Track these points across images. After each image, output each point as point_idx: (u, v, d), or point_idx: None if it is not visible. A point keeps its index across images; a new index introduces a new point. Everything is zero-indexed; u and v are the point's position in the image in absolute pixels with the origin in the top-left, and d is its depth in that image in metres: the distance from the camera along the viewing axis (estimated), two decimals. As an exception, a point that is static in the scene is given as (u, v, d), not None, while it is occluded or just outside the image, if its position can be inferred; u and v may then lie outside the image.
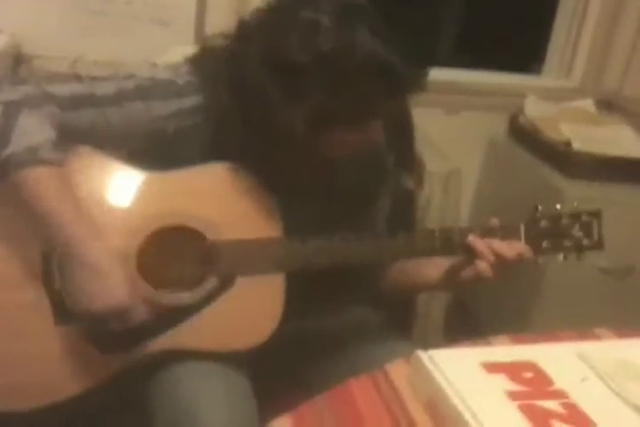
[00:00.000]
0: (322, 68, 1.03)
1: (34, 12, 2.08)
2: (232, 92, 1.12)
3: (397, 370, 1.01)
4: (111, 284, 1.08)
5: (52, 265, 1.13)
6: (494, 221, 1.22)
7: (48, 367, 1.16)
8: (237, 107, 1.11)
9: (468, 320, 2.24)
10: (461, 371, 0.93)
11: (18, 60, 2.09)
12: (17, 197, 1.08)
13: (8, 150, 1.05)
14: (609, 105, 2.42)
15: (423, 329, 1.99)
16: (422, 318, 1.96)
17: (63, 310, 1.13)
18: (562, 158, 2.07)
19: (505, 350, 1.02)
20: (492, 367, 0.94)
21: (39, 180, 1.07)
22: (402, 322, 1.50)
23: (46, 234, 1.10)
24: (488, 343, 1.10)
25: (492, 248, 1.17)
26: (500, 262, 1.17)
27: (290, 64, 1.04)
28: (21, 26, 2.06)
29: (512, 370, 0.94)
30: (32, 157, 1.06)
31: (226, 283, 1.18)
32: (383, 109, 1.11)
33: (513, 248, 1.18)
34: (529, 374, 0.94)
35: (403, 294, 1.55)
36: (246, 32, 1.12)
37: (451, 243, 1.21)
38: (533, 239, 1.22)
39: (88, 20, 2.12)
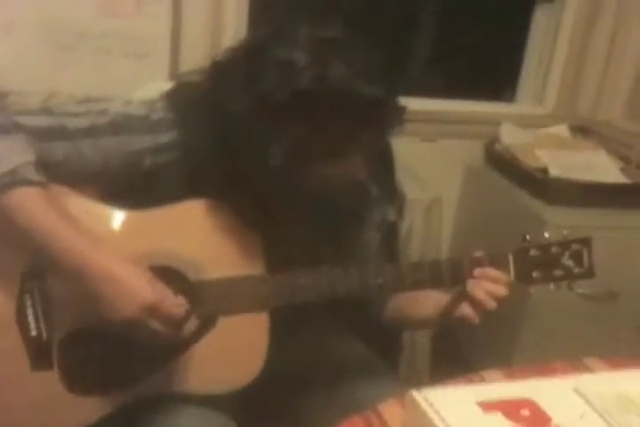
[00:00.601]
0: (300, 104, 1.03)
1: (7, 47, 2.06)
2: (208, 130, 1.11)
3: (390, 410, 1.00)
4: (135, 282, 1.04)
5: (26, 310, 1.09)
6: (479, 253, 1.21)
7: (27, 415, 1.13)
8: (214, 143, 1.10)
9: (454, 350, 2.22)
10: (457, 411, 0.91)
11: (-10, 96, 2.07)
12: (7, 223, 1.04)
13: None
14: (583, 130, 2.45)
15: (410, 361, 1.97)
16: (409, 350, 1.94)
17: (38, 354, 1.10)
18: (540, 185, 2.08)
19: (500, 387, 1.00)
20: (489, 406, 0.93)
21: (26, 199, 1.03)
22: (388, 355, 1.48)
23: (48, 255, 1.05)
24: (482, 379, 1.08)
25: (484, 289, 1.17)
26: (497, 290, 1.16)
27: (269, 102, 1.03)
28: (-7, 62, 2.04)
29: (509, 408, 0.93)
30: (15, 179, 1.02)
31: (208, 323, 1.15)
32: (363, 143, 1.10)
33: (501, 285, 1.17)
34: (526, 412, 0.93)
35: (397, 327, 1.53)
36: (220, 72, 1.11)
37: (440, 275, 1.20)
38: (523, 269, 1.21)
39: (61, 54, 2.11)
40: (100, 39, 2.10)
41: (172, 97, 1.19)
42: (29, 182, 1.04)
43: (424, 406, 0.91)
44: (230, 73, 1.09)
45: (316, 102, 1.03)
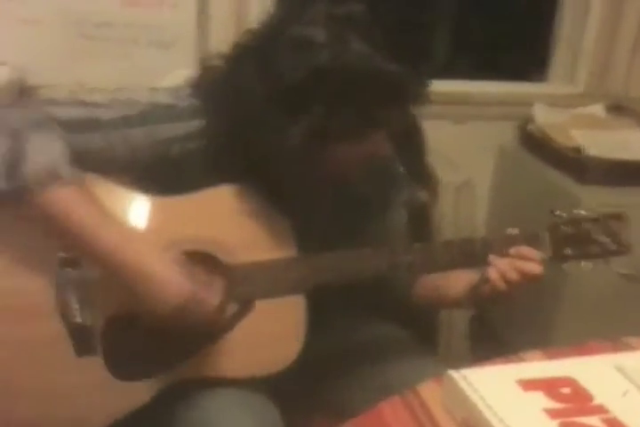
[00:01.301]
0: (318, 83, 1.02)
1: (34, 41, 2.07)
2: (230, 114, 1.11)
3: (429, 391, 0.98)
4: (165, 281, 1.05)
5: (69, 297, 1.10)
6: (513, 231, 1.19)
7: (73, 400, 1.13)
8: (235, 128, 1.10)
9: (492, 332, 2.19)
10: (497, 390, 0.89)
11: (22, 91, 2.09)
12: (46, 220, 1.05)
13: (25, 176, 1.02)
14: (618, 109, 2.39)
15: (447, 343, 1.95)
16: (446, 332, 1.92)
17: (82, 340, 1.10)
18: (575, 165, 2.04)
19: (540, 366, 0.98)
20: (529, 385, 0.91)
21: (62, 196, 1.04)
22: (426, 337, 1.46)
23: (81, 250, 1.07)
24: (521, 360, 1.06)
25: (515, 267, 1.14)
26: (524, 280, 1.14)
27: (286, 83, 1.03)
28: (23, 56, 2.05)
29: (549, 387, 0.91)
30: (50, 177, 1.03)
31: (245, 308, 1.15)
32: (385, 120, 1.08)
33: (536, 263, 1.15)
34: (567, 390, 0.91)
35: (429, 308, 1.52)
36: (240, 53, 1.11)
37: (472, 254, 1.18)
38: (556, 246, 1.19)
39: (88, 45, 2.11)
40: (125, 29, 2.10)
41: (197, 83, 1.19)
42: (64, 178, 1.04)
43: (463, 385, 0.90)
44: (249, 54, 1.09)
45: (334, 79, 1.02)
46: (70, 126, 1.08)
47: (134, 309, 1.09)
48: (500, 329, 2.21)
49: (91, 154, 1.10)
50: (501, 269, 1.15)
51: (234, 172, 1.15)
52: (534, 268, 1.15)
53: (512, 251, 1.16)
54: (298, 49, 1.03)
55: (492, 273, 1.15)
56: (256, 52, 1.08)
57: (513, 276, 1.14)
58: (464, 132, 2.38)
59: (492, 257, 1.16)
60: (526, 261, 1.15)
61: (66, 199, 1.04)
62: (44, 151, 1.04)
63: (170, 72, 1.88)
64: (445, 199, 1.91)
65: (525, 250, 1.17)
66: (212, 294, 1.08)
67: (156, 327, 1.09)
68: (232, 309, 1.15)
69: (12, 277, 1.10)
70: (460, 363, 0.98)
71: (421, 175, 1.60)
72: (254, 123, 1.07)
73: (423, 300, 1.33)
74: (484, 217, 2.41)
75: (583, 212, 1.22)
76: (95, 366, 1.13)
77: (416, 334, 1.39)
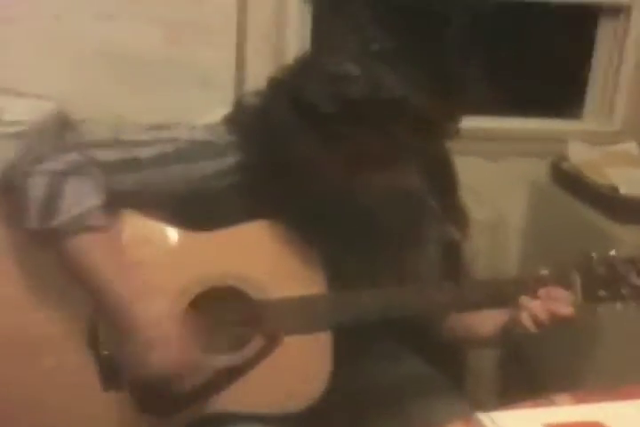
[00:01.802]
0: (351, 115, 1.04)
1: (77, 76, 2.14)
2: (266, 147, 1.13)
3: (457, 433, 0.98)
4: (166, 348, 1.07)
5: (98, 329, 1.12)
6: (544, 272, 1.19)
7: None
8: (273, 160, 1.12)
9: (523, 370, 2.16)
10: (525, 434, 0.89)
11: (64, 124, 2.15)
12: (67, 262, 1.09)
13: (57, 219, 1.06)
14: (653, 147, 2.38)
15: (476, 380, 1.93)
16: (474, 369, 1.91)
17: (110, 374, 1.12)
18: (610, 203, 2.03)
19: (568, 410, 0.97)
20: (557, 429, 0.90)
21: (88, 248, 1.08)
22: (453, 375, 1.46)
23: (98, 302, 1.09)
24: (551, 402, 1.05)
25: (546, 309, 1.14)
26: (555, 322, 1.14)
27: (321, 114, 1.05)
28: (65, 92, 2.12)
29: (578, 431, 0.90)
30: (80, 225, 1.07)
31: (272, 343, 1.16)
32: (415, 151, 1.11)
33: (567, 305, 1.15)
34: (596, 436, 0.90)
35: (458, 346, 1.51)
36: (275, 87, 1.14)
37: (502, 295, 1.18)
38: (589, 288, 1.18)
39: (129, 81, 2.18)
40: (166, 66, 2.17)
41: (232, 120, 1.22)
42: (93, 229, 1.08)
43: (490, 428, 0.90)
44: (283, 87, 1.12)
45: (368, 112, 1.04)
46: (110, 168, 1.12)
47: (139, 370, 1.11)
48: (531, 369, 2.18)
49: (129, 193, 1.13)
50: (532, 311, 1.15)
51: (268, 207, 1.17)
52: (565, 310, 1.15)
53: (542, 292, 1.16)
54: (332, 81, 1.05)
55: (523, 315, 1.15)
56: (291, 85, 1.10)
57: (543, 317, 1.14)
58: (496, 169, 2.39)
59: (522, 299, 1.17)
60: (557, 303, 1.15)
61: (88, 248, 1.08)
62: (79, 198, 1.08)
63: (208, 110, 1.93)
64: (477, 237, 1.91)
65: (556, 291, 1.17)
66: (194, 378, 1.10)
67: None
68: (259, 344, 1.15)
69: (43, 308, 1.13)
70: (488, 402, 0.97)
71: (454, 213, 1.60)
72: (289, 153, 1.09)
73: (452, 338, 1.33)
74: (517, 256, 2.40)
75: (615, 254, 1.21)
76: (120, 401, 1.14)
77: (443, 371, 1.38)
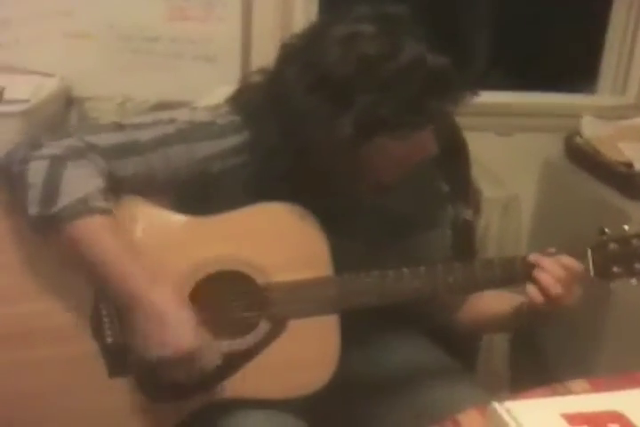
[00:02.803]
0: (367, 72, 1.02)
1: (82, 54, 2.11)
2: (276, 117, 1.10)
3: (470, 421, 0.95)
4: (180, 330, 1.05)
5: (102, 318, 1.11)
6: (552, 250, 1.16)
7: (105, 421, 1.14)
8: (280, 134, 1.10)
9: (535, 354, 2.14)
10: (542, 424, 0.86)
11: (69, 102, 2.12)
12: (72, 249, 1.07)
13: (59, 204, 1.04)
14: (669, 121, 2.33)
15: (488, 364, 1.91)
16: (485, 354, 1.88)
17: (115, 361, 1.11)
18: (624, 179, 1.99)
19: (586, 399, 0.94)
20: (575, 419, 0.87)
21: (93, 229, 1.06)
22: (465, 360, 1.43)
23: (104, 285, 1.08)
24: (566, 390, 1.02)
25: (560, 263, 1.11)
26: (570, 279, 1.10)
27: (334, 73, 1.03)
28: (70, 69, 2.09)
29: (596, 421, 0.87)
30: (83, 208, 1.04)
31: (278, 327, 1.14)
32: (431, 115, 1.07)
33: (576, 273, 1.12)
34: (615, 426, 0.87)
35: (474, 332, 1.49)
36: (286, 53, 1.11)
37: (512, 274, 1.15)
38: (602, 264, 1.16)
39: (134, 59, 2.14)
40: (171, 43, 2.13)
41: (236, 99, 1.19)
42: (96, 211, 1.06)
43: (507, 418, 0.87)
44: (295, 53, 1.09)
45: (383, 69, 1.02)
46: (110, 153, 1.10)
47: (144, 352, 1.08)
48: (543, 351, 2.16)
49: (131, 178, 1.11)
50: (542, 283, 1.11)
51: (275, 186, 1.14)
52: (570, 276, 1.11)
53: (549, 261, 1.13)
54: (346, 42, 1.03)
55: (530, 288, 1.12)
56: (302, 50, 1.08)
57: (555, 288, 1.10)
58: (509, 144, 2.35)
59: (534, 272, 1.13)
60: (563, 270, 1.12)
61: (92, 230, 1.06)
62: (80, 183, 1.06)
63: (214, 87, 1.90)
64: (490, 215, 1.88)
65: (564, 258, 1.13)
66: (209, 359, 1.08)
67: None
68: (265, 328, 1.14)
69: (47, 299, 1.11)
70: (501, 386, 0.95)
71: (466, 193, 1.57)
72: (302, 118, 1.06)
73: (466, 324, 1.30)
74: (529, 233, 2.37)
75: (627, 229, 1.18)
76: (127, 387, 1.13)
77: (455, 356, 1.36)
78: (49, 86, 1.97)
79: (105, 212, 1.06)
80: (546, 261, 1.12)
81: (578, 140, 2.26)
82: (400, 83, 1.02)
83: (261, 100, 1.13)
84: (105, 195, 1.07)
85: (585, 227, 1.87)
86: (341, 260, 1.17)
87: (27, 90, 1.86)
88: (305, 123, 1.06)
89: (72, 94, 2.11)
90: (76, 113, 2.10)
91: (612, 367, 1.88)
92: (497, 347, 1.97)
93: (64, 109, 2.08)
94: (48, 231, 1.06)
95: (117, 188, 1.11)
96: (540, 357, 2.16)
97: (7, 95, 1.81)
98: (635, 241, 1.16)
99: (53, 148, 1.07)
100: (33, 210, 1.04)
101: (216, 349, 1.10)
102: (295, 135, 1.08)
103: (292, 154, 1.10)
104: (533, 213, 2.39)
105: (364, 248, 1.21)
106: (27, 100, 1.81)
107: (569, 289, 1.12)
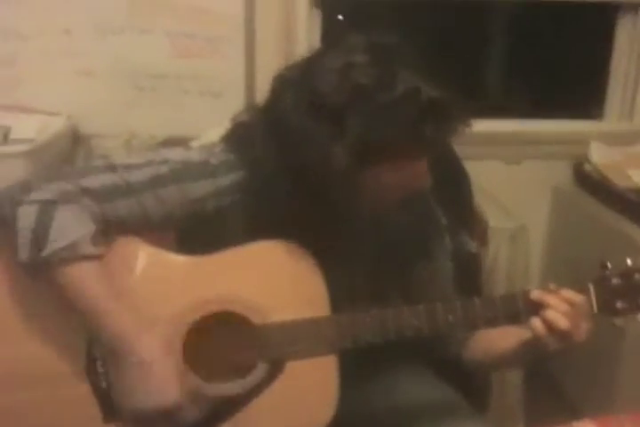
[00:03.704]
0: (361, 101, 1.01)
1: (88, 92, 2.13)
2: (274, 140, 1.09)
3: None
4: (164, 383, 1.05)
5: (95, 362, 1.10)
6: (552, 286, 1.13)
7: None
8: (281, 153, 1.08)
9: (551, 388, 2.10)
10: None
11: (75, 140, 2.14)
12: (61, 293, 1.07)
13: (47, 250, 1.04)
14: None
15: (501, 400, 1.87)
16: (499, 389, 1.85)
17: (110, 406, 1.10)
18: (634, 207, 1.97)
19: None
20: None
21: (79, 276, 1.06)
22: (476, 396, 1.40)
23: (92, 331, 1.08)
24: (571, 429, 1.00)
25: (564, 298, 1.09)
26: (576, 313, 1.08)
27: (328, 101, 1.02)
28: (77, 107, 2.11)
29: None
30: (72, 254, 1.04)
31: (276, 369, 1.12)
32: (426, 144, 1.06)
33: (580, 307, 1.10)
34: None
35: (483, 369, 1.46)
36: (282, 81, 1.10)
37: (513, 310, 1.12)
38: (606, 299, 1.13)
39: (140, 96, 2.17)
40: (176, 80, 2.15)
41: (230, 137, 1.19)
42: (84, 257, 1.05)
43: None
44: (291, 81, 1.09)
45: (378, 97, 1.01)
46: (102, 195, 1.09)
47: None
48: (559, 385, 2.12)
49: (124, 219, 1.10)
50: (546, 317, 1.09)
51: (272, 222, 1.13)
52: (575, 311, 1.08)
53: (552, 298, 1.10)
54: (341, 71, 1.03)
55: (533, 322, 1.09)
56: (297, 79, 1.08)
57: (561, 323, 1.08)
58: (517, 172, 2.34)
59: (540, 310, 1.10)
60: (566, 304, 1.09)
61: (78, 277, 1.06)
62: (69, 228, 1.05)
63: (220, 121, 1.91)
64: (497, 245, 1.86)
65: (565, 292, 1.11)
66: (190, 413, 1.07)
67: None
68: (262, 371, 1.12)
69: (46, 343, 1.11)
70: (515, 423, 0.92)
71: (469, 224, 1.55)
72: (298, 144, 1.05)
73: (473, 361, 1.27)
74: (540, 261, 2.34)
75: (630, 263, 1.15)
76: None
77: (466, 392, 1.33)
78: (55, 125, 1.99)
79: (92, 258, 1.06)
80: (550, 298, 1.10)
81: (586, 166, 2.25)
82: (394, 111, 1.02)
83: (257, 130, 1.12)
84: (94, 240, 1.07)
85: (596, 255, 1.85)
86: (341, 292, 1.15)
87: (32, 129, 1.88)
88: (301, 149, 1.06)
89: (78, 132, 2.14)
90: (82, 151, 2.11)
91: (631, 399, 1.84)
92: (511, 381, 1.93)
93: (70, 148, 2.10)
94: (37, 276, 1.06)
95: (113, 229, 1.10)
96: (557, 390, 2.12)
97: (13, 135, 1.83)
98: (638, 275, 1.13)
99: (43, 192, 1.07)
100: (23, 255, 1.04)
101: (207, 393, 1.09)
102: (291, 160, 1.08)
103: (289, 180, 1.09)
104: (544, 242, 2.36)
105: (364, 280, 1.20)
106: (32, 140, 1.82)
107: (577, 324, 1.09)
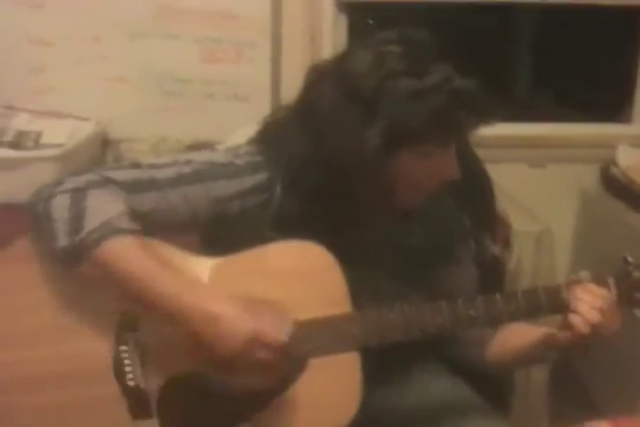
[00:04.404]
0: (395, 86, 1.05)
1: (116, 98, 2.17)
2: (306, 128, 1.12)
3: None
4: (230, 321, 1.04)
5: (123, 361, 1.11)
6: (584, 274, 1.14)
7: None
8: (314, 140, 1.11)
9: (576, 389, 2.09)
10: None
11: (105, 144, 2.18)
12: (106, 273, 1.07)
13: (86, 230, 1.05)
14: None
15: (525, 400, 1.86)
16: (523, 388, 1.84)
17: (137, 403, 1.11)
18: (661, 210, 1.96)
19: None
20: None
21: (121, 247, 1.06)
22: (497, 397, 1.40)
23: (143, 299, 1.07)
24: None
25: (591, 291, 1.09)
26: (607, 307, 1.08)
27: (363, 86, 1.06)
28: (105, 112, 2.15)
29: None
30: (109, 230, 1.05)
31: (298, 367, 1.13)
32: (458, 128, 1.10)
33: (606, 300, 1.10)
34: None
35: (506, 369, 1.45)
36: (317, 71, 1.14)
37: (537, 303, 1.13)
38: (626, 292, 1.13)
39: (168, 101, 2.20)
40: (203, 84, 2.18)
41: (259, 138, 1.21)
42: (123, 231, 1.06)
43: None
44: (326, 70, 1.12)
45: (410, 84, 1.05)
46: (128, 187, 1.11)
47: (190, 366, 1.09)
48: (584, 385, 2.10)
49: (150, 214, 1.12)
50: (579, 310, 1.09)
51: (296, 221, 1.15)
52: (602, 303, 1.08)
53: (577, 290, 1.11)
54: (376, 58, 1.07)
55: (575, 318, 1.09)
56: (332, 68, 1.11)
57: (583, 309, 1.08)
58: (543, 175, 2.33)
59: (572, 303, 1.11)
60: (593, 297, 1.10)
61: (124, 249, 1.06)
62: (103, 208, 1.07)
63: (246, 125, 1.93)
64: (522, 249, 1.85)
65: (591, 287, 1.11)
66: (275, 333, 1.06)
67: (211, 385, 1.09)
68: (285, 368, 1.12)
69: (75, 341, 1.12)
70: (539, 423, 0.92)
71: (490, 224, 1.55)
72: (332, 129, 1.09)
73: (496, 359, 1.28)
74: (566, 267, 2.33)
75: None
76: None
77: (489, 393, 1.33)
78: (85, 130, 2.03)
79: (131, 232, 1.07)
80: (578, 291, 1.10)
81: (613, 170, 2.24)
82: (427, 97, 1.05)
83: (291, 123, 1.15)
84: (129, 216, 1.08)
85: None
86: (364, 293, 1.16)
87: (63, 134, 1.92)
88: (334, 134, 1.09)
89: (108, 137, 2.17)
90: (111, 155, 2.15)
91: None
92: (535, 382, 1.92)
93: (100, 152, 2.14)
94: (79, 261, 1.06)
95: (138, 222, 1.10)
96: (582, 391, 2.11)
97: (44, 140, 1.87)
98: None
99: (73, 182, 1.09)
100: (62, 242, 1.05)
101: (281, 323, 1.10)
102: (324, 147, 1.10)
103: (321, 172, 1.11)
104: (571, 245, 2.35)
105: (387, 281, 1.21)
106: (62, 145, 1.86)
107: (607, 317, 1.09)
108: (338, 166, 1.10)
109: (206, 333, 1.05)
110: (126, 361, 1.11)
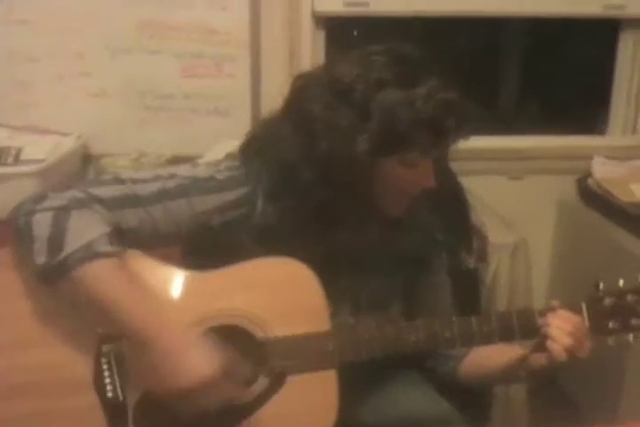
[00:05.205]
0: (384, 93, 1.08)
1: (98, 112, 2.18)
2: (296, 133, 1.13)
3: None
4: (193, 358, 1.06)
5: (103, 373, 1.12)
6: (555, 303, 1.16)
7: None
8: (305, 144, 1.12)
9: (557, 399, 2.10)
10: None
11: (86, 160, 2.18)
12: (82, 294, 1.08)
13: (65, 252, 1.06)
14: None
15: (505, 412, 1.88)
16: (503, 400, 1.85)
17: (115, 415, 1.12)
18: (637, 221, 1.98)
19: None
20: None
21: (98, 272, 1.08)
22: (478, 409, 1.42)
23: (114, 324, 1.09)
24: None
25: (563, 318, 1.11)
26: (578, 332, 1.10)
27: (353, 89, 1.08)
28: (86, 127, 2.16)
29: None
30: (88, 253, 1.07)
31: (276, 382, 1.14)
32: (444, 136, 1.12)
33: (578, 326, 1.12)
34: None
35: (477, 384, 1.47)
36: (303, 79, 1.16)
37: (510, 327, 1.15)
38: (598, 319, 1.15)
39: (149, 115, 2.21)
40: (185, 99, 2.19)
41: (243, 151, 1.22)
42: (102, 255, 1.08)
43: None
44: (312, 77, 1.15)
45: (398, 92, 1.08)
46: (112, 204, 1.13)
47: (160, 386, 1.10)
48: (565, 395, 2.11)
49: (135, 229, 1.14)
50: (557, 339, 1.11)
51: (278, 234, 1.17)
52: (574, 330, 1.11)
53: (549, 317, 1.13)
54: (363, 66, 1.10)
55: (552, 345, 1.10)
56: (319, 75, 1.14)
57: (554, 332, 1.10)
58: (520, 187, 2.36)
59: (548, 329, 1.12)
60: (565, 322, 1.12)
61: (100, 274, 1.08)
62: (84, 230, 1.08)
63: (227, 140, 1.94)
64: (498, 261, 1.87)
65: (563, 313, 1.13)
66: (237, 373, 1.09)
67: (184, 405, 1.09)
68: (263, 383, 1.15)
69: (55, 352, 1.13)
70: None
71: (466, 239, 1.57)
72: (322, 133, 1.10)
73: (469, 375, 1.29)
74: (545, 277, 2.35)
75: (622, 284, 1.17)
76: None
77: (465, 405, 1.35)
78: (65, 145, 2.03)
79: (109, 255, 1.08)
80: (550, 317, 1.12)
81: (589, 181, 2.27)
82: (417, 102, 1.08)
83: (280, 130, 1.16)
84: (110, 239, 1.09)
85: (602, 271, 1.86)
86: (344, 304, 1.18)
87: (44, 150, 1.92)
88: (327, 134, 1.10)
89: (89, 151, 2.18)
90: (92, 170, 2.15)
91: (638, 410, 1.84)
92: (515, 392, 1.93)
93: (81, 167, 2.14)
94: (56, 280, 1.08)
95: (121, 238, 1.12)
96: (563, 400, 2.12)
97: (24, 156, 1.87)
98: (630, 296, 1.15)
99: (57, 199, 1.10)
100: (40, 260, 1.06)
101: (224, 383, 1.10)
102: (317, 148, 1.12)
103: (312, 169, 1.13)
104: (549, 256, 2.37)
105: (367, 292, 1.23)
106: (42, 160, 1.86)
107: (580, 342, 1.11)
108: (328, 167, 1.12)
109: (165, 365, 1.07)
110: (106, 373, 1.12)
